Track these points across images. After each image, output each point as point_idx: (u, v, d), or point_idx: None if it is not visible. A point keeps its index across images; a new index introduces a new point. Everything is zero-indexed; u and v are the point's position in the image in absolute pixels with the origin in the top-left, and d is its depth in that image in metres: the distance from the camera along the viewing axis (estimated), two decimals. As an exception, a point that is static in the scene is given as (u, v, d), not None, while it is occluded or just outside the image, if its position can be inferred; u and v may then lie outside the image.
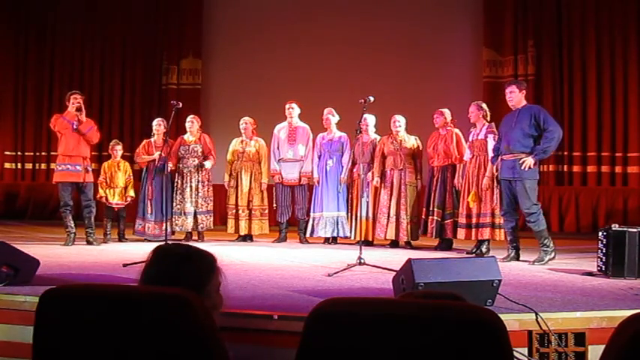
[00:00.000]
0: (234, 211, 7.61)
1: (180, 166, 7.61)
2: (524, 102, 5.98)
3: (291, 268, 5.49)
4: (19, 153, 11.12)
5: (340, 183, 7.42)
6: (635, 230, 5.05)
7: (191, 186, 7.55)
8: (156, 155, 7.43)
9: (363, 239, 6.77)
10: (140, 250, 6.07)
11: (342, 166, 7.45)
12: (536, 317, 3.50)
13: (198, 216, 7.54)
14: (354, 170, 7.42)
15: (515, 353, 3.04)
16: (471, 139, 6.70)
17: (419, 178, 7.27)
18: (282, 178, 7.60)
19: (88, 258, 5.96)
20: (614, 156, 9.50)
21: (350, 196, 7.46)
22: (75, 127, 6.94)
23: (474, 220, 6.55)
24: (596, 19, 9.60)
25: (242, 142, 7.71)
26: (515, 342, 3.26)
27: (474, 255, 6.42)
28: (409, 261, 3.70)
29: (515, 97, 5.94)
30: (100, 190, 7.57)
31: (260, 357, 3.43)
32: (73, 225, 7.02)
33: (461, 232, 6.69)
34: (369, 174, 7.27)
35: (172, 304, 1.54)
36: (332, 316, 1.50)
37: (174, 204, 7.50)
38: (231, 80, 10.54)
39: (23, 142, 11.10)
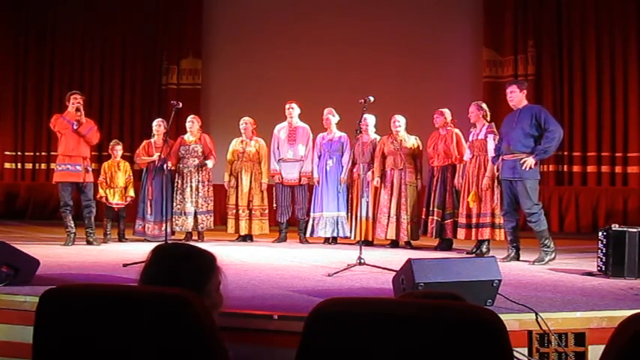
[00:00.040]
0: (234, 211, 7.61)
1: (181, 166, 7.61)
2: (525, 102, 5.97)
3: (291, 268, 5.49)
4: (19, 153, 11.12)
5: (340, 183, 7.42)
6: (635, 230, 5.05)
7: (191, 186, 7.55)
8: (155, 157, 7.43)
9: (363, 239, 6.77)
10: (140, 250, 6.07)
11: (342, 166, 7.45)
12: (536, 317, 3.50)
13: (199, 216, 7.54)
14: (354, 170, 7.42)
15: (515, 353, 3.04)
16: (471, 139, 6.70)
17: (419, 178, 7.27)
18: (282, 178, 7.60)
19: (88, 258, 5.96)
20: (614, 156, 9.51)
21: (350, 196, 7.46)
22: (74, 128, 6.95)
23: (473, 220, 6.55)
24: (596, 19, 9.60)
25: (242, 142, 7.71)
26: (515, 342, 3.26)
27: (474, 255, 6.42)
28: (409, 261, 3.70)
29: (516, 96, 5.94)
30: (100, 190, 7.57)
31: (260, 357, 3.43)
32: (73, 225, 7.02)
33: (461, 232, 6.69)
34: (369, 173, 7.27)
35: (172, 304, 1.54)
36: (332, 316, 1.50)
37: (175, 204, 7.50)
38: (231, 80, 10.54)
39: (23, 142, 11.10)
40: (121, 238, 7.56)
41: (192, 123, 7.71)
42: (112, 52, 10.91)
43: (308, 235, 7.51)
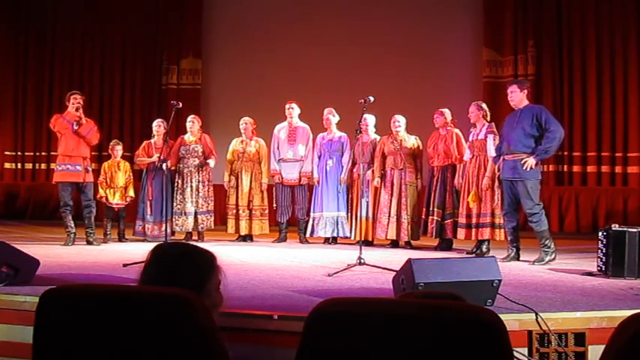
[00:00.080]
0: (234, 211, 7.61)
1: (181, 166, 7.61)
2: (526, 102, 5.96)
3: (291, 268, 5.49)
4: (19, 153, 11.12)
5: (340, 183, 7.42)
6: (635, 230, 5.05)
7: (191, 186, 7.55)
8: (155, 158, 7.44)
9: (363, 239, 6.77)
10: (140, 250, 6.05)
11: (342, 166, 7.45)
12: (536, 317, 3.50)
13: (199, 216, 7.54)
14: (354, 170, 7.42)
15: (515, 353, 3.04)
16: (471, 139, 6.70)
17: (419, 178, 7.27)
18: (282, 178, 7.60)
19: (88, 258, 5.96)
20: (614, 156, 9.50)
21: (350, 196, 7.47)
22: (74, 129, 6.95)
23: (473, 220, 6.55)
24: (596, 19, 9.60)
25: (242, 142, 7.71)
26: (515, 342, 3.26)
27: (474, 255, 6.42)
28: (409, 261, 3.70)
29: (517, 96, 5.93)
30: (100, 190, 7.57)
31: (260, 357, 3.43)
32: (73, 225, 7.02)
33: (461, 232, 6.69)
34: (369, 172, 7.27)
35: (172, 304, 1.54)
36: (332, 316, 1.50)
37: (175, 204, 7.50)
38: (231, 80, 10.54)
39: (23, 142, 11.10)
40: (121, 238, 7.56)
41: (192, 123, 7.71)
42: (112, 52, 10.91)
43: (308, 235, 7.51)
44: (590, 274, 5.19)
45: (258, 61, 10.30)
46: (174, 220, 7.47)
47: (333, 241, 7.49)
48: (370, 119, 7.41)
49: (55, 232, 8.03)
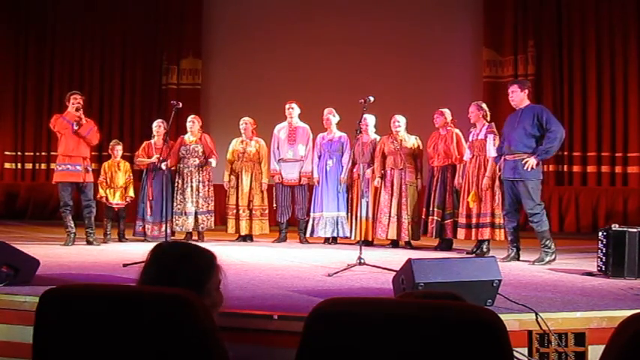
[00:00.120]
0: (234, 211, 7.61)
1: (181, 166, 7.61)
2: (527, 102, 5.95)
3: (291, 268, 5.49)
4: (19, 153, 11.12)
5: (340, 183, 7.42)
6: (635, 230, 5.05)
7: (192, 186, 7.55)
8: (154, 159, 7.44)
9: (363, 239, 6.77)
10: (140, 250, 6.04)
11: (342, 166, 7.45)
12: (536, 317, 3.50)
13: (199, 216, 7.54)
14: (354, 170, 7.42)
15: (515, 353, 3.04)
16: (471, 139, 6.70)
17: (419, 178, 7.27)
18: (282, 178, 7.60)
19: (88, 258, 5.96)
20: (614, 156, 9.51)
21: (350, 196, 7.47)
22: (74, 129, 6.95)
23: (473, 220, 6.55)
24: (596, 19, 9.60)
25: (242, 142, 7.71)
26: (515, 342, 3.26)
27: (474, 255, 6.42)
28: (409, 261, 3.70)
29: (517, 96, 5.93)
30: (101, 190, 7.57)
31: (260, 357, 3.43)
32: (73, 225, 7.02)
33: (461, 232, 6.68)
34: (369, 170, 7.26)
35: (172, 304, 1.54)
36: (332, 316, 1.50)
37: (175, 204, 7.50)
38: (231, 80, 10.54)
39: (23, 142, 11.10)
40: (121, 238, 7.56)
41: (192, 123, 7.71)
42: (112, 52, 10.91)
43: (308, 235, 7.51)
44: (590, 274, 5.19)
45: (258, 61, 10.30)
46: (174, 220, 7.47)
47: (333, 241, 7.50)
48: (370, 119, 7.41)
49: (55, 232, 8.03)
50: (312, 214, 7.51)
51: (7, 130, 11.11)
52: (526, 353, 3.46)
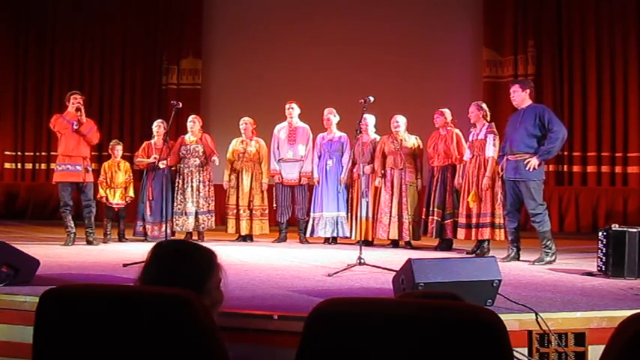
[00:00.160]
0: (234, 211, 7.61)
1: (181, 166, 7.61)
2: (529, 101, 5.94)
3: (291, 268, 5.49)
4: (19, 153, 11.12)
5: (340, 183, 7.42)
6: (635, 230, 5.05)
7: (192, 186, 7.55)
8: (152, 159, 7.45)
9: (363, 239, 6.77)
10: (140, 250, 6.06)
11: (342, 166, 7.45)
12: (536, 317, 3.50)
13: (200, 216, 7.54)
14: (354, 170, 7.42)
15: (515, 353, 3.04)
16: (470, 139, 6.70)
17: (419, 178, 7.27)
18: (282, 178, 7.60)
19: (88, 258, 5.96)
20: (614, 156, 9.50)
21: (350, 196, 7.47)
22: (75, 128, 6.95)
23: (473, 220, 6.55)
24: (596, 19, 9.60)
25: (242, 142, 7.71)
26: (515, 342, 3.26)
27: (474, 255, 6.42)
28: (409, 261, 3.70)
29: (518, 96, 5.92)
30: (101, 190, 7.57)
31: (260, 357, 3.43)
32: (73, 225, 7.02)
33: (461, 232, 6.68)
34: (368, 167, 7.25)
35: (172, 304, 1.54)
36: (332, 316, 1.50)
37: (175, 204, 7.50)
38: (231, 80, 10.54)
39: (23, 142, 11.10)
40: (121, 238, 7.56)
41: (193, 123, 7.71)
42: (112, 52, 10.91)
43: (308, 235, 7.51)
44: (590, 274, 5.19)
45: (258, 61, 10.30)
46: (174, 220, 7.47)
47: (333, 241, 7.50)
48: (370, 119, 7.41)
49: (55, 232, 8.03)
50: (312, 214, 7.51)
51: (7, 130, 11.11)
52: (526, 353, 3.46)
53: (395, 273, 4.01)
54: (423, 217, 7.11)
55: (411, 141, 7.28)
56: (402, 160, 7.18)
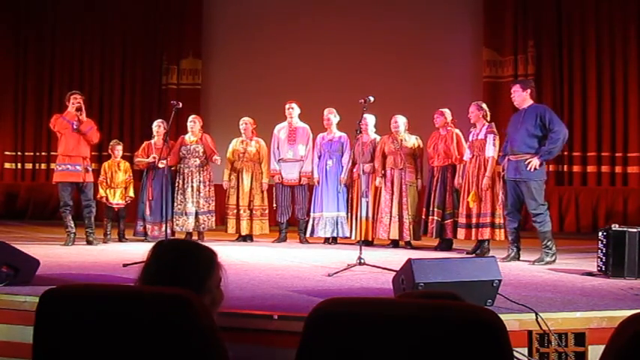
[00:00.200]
0: (234, 211, 7.61)
1: (182, 166, 7.61)
2: (530, 101, 5.93)
3: (291, 268, 5.49)
4: (19, 153, 11.12)
5: (340, 183, 7.42)
6: (635, 230, 5.05)
7: (192, 186, 7.55)
8: (150, 158, 7.45)
9: (363, 239, 6.77)
10: (140, 250, 6.04)
11: (342, 167, 7.45)
12: (536, 317, 3.50)
13: (200, 216, 7.54)
14: (354, 170, 7.42)
15: (515, 353, 3.04)
16: (470, 139, 6.70)
17: (419, 178, 7.27)
18: (282, 178, 7.60)
19: (88, 258, 5.96)
20: (614, 156, 9.50)
21: (350, 196, 7.47)
22: (75, 126, 6.95)
23: (473, 220, 6.55)
24: (596, 19, 9.60)
25: (242, 142, 7.71)
26: (515, 342, 3.26)
27: (474, 255, 6.42)
28: (409, 261, 3.70)
29: (519, 96, 5.92)
30: (101, 190, 7.57)
31: (260, 357, 3.43)
32: (73, 225, 7.02)
33: (461, 232, 6.68)
34: (367, 165, 7.24)
35: (172, 304, 1.54)
36: (332, 316, 1.50)
37: (175, 204, 7.50)
38: (231, 80, 10.54)
39: (23, 142, 11.10)
40: (121, 238, 7.56)
41: (193, 123, 7.71)
42: (112, 52, 10.91)
43: (308, 235, 7.51)
44: (590, 274, 5.19)
45: (258, 61, 10.30)
46: (174, 220, 7.47)
47: (333, 241, 7.50)
48: (370, 119, 7.41)
49: (55, 232, 8.03)
50: (312, 214, 7.51)
51: (7, 130, 11.10)
52: (526, 353, 3.46)
53: (395, 273, 4.02)
54: (423, 217, 7.11)
55: (412, 141, 7.28)
56: (402, 160, 7.18)
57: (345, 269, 5.15)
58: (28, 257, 4.41)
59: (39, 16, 11.01)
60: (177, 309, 1.52)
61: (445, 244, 6.97)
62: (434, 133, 7.17)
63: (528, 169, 5.71)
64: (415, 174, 7.23)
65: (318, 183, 7.48)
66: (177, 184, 7.56)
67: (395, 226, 7.13)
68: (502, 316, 1.50)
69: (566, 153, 9.60)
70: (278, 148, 7.64)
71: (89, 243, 7.02)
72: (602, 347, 1.72)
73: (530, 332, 3.49)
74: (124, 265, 5.20)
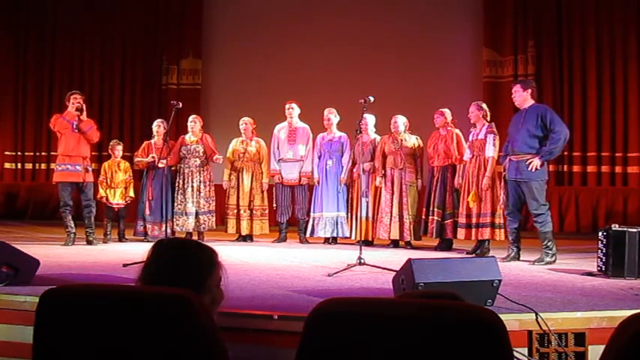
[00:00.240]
0: (235, 211, 7.61)
1: (182, 166, 7.61)
2: (531, 101, 5.93)
3: (291, 268, 5.49)
4: (19, 153, 11.12)
5: (340, 183, 7.42)
6: (635, 230, 5.05)
7: (192, 186, 7.55)
8: (149, 158, 7.45)
9: (363, 239, 6.77)
10: (140, 250, 6.03)
11: (342, 167, 7.46)
12: (536, 317, 3.50)
13: (201, 216, 7.54)
14: (354, 170, 7.42)
15: (515, 353, 3.04)
16: (470, 139, 6.70)
17: (419, 178, 7.27)
18: (282, 178, 7.60)
19: (88, 258, 5.96)
20: (614, 156, 9.50)
21: (350, 196, 7.47)
22: (75, 126, 6.95)
23: (473, 220, 6.55)
24: (596, 19, 9.60)
25: (243, 142, 7.71)
26: (515, 342, 3.26)
27: (474, 255, 6.42)
28: (409, 261, 3.70)
29: (520, 96, 5.92)
30: (101, 190, 7.57)
31: (260, 357, 3.43)
32: (73, 225, 7.02)
33: (461, 232, 6.68)
34: (367, 164, 7.24)
35: (172, 304, 1.54)
36: (332, 316, 1.50)
37: (176, 204, 7.50)
38: (231, 80, 10.54)
39: (23, 142, 11.10)
40: (121, 238, 7.56)
41: (194, 123, 7.71)
42: (112, 52, 10.91)
43: (308, 235, 7.51)
44: (590, 274, 5.19)
45: (258, 61, 10.30)
46: (174, 220, 7.47)
47: (333, 241, 7.50)
48: (370, 119, 7.41)
49: (55, 232, 8.03)
50: (312, 214, 7.51)
51: (7, 130, 11.10)
52: (526, 353, 3.46)
53: (395, 273, 4.02)
54: (423, 217, 7.11)
55: (412, 141, 7.28)
56: (402, 160, 7.18)
57: (345, 269, 5.15)
58: (28, 257, 4.41)
59: (39, 16, 11.01)
60: (177, 309, 1.52)
61: (445, 244, 6.97)
62: (434, 133, 7.17)
63: (529, 169, 5.71)
64: (415, 174, 7.23)
65: (318, 183, 7.48)
66: (177, 184, 7.56)
67: (395, 226, 7.13)
68: (502, 316, 1.50)
69: (566, 153, 9.59)
70: (278, 148, 7.64)
71: (89, 243, 7.02)
72: (602, 347, 1.72)
73: (530, 332, 3.49)
74: (124, 265, 5.20)
